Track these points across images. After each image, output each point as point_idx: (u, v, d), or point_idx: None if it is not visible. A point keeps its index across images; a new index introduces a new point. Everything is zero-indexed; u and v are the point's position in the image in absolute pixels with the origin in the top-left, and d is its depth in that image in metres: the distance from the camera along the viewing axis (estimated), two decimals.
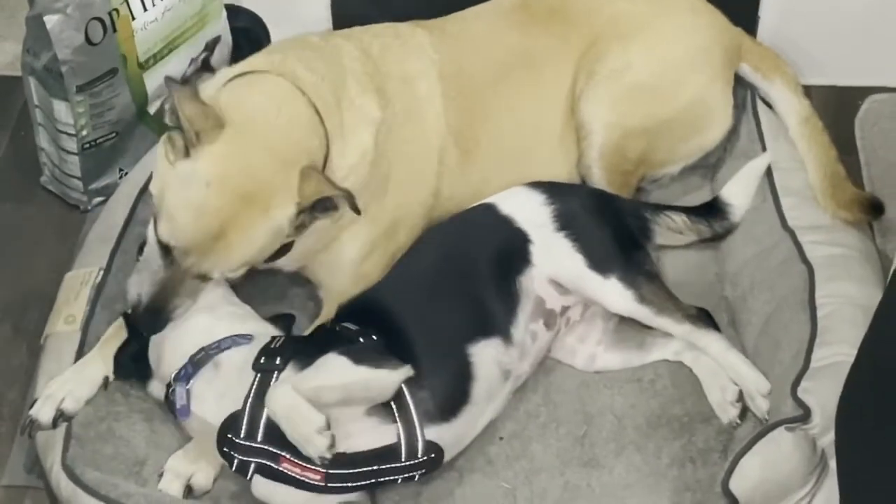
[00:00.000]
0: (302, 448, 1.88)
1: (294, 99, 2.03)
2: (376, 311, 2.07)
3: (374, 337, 2.00)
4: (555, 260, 2.13)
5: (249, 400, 1.94)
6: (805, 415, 1.93)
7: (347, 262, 2.17)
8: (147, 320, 2.02)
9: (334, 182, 1.99)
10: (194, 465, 2.01)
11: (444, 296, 2.09)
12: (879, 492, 1.63)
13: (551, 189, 2.21)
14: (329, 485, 1.92)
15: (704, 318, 2.15)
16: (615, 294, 2.11)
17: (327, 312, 2.18)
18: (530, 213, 2.17)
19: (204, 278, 2.00)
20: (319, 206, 1.98)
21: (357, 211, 1.98)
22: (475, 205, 2.22)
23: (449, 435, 1.99)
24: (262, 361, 1.98)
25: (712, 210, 2.33)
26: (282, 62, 2.09)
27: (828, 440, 1.93)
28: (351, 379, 1.91)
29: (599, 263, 2.11)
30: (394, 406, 1.95)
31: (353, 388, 1.92)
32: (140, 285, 2.02)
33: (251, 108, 2.01)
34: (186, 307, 2.03)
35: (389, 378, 1.93)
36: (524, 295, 2.11)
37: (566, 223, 2.15)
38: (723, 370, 2.10)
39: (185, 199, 1.95)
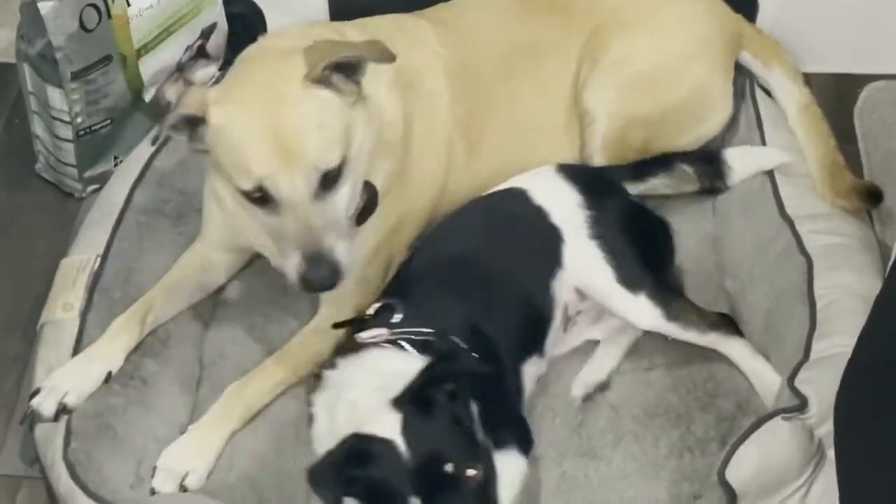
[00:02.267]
0: None
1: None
2: (440, 314, 1.96)
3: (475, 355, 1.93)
4: (584, 268, 2.09)
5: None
6: (802, 404, 1.92)
7: (352, 263, 2.13)
8: (317, 273, 1.91)
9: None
10: (188, 463, 2.00)
11: (501, 307, 2.02)
12: (878, 483, 1.62)
13: (587, 189, 2.15)
14: None
15: (727, 324, 2.14)
16: (643, 312, 2.09)
17: (327, 315, 2.16)
18: (566, 212, 2.12)
19: (317, 192, 1.91)
20: (339, 67, 1.92)
21: (391, 57, 1.94)
22: (503, 188, 2.17)
23: None
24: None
25: (711, 163, 2.32)
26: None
27: (825, 430, 1.92)
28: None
29: (629, 279, 2.08)
30: None
31: None
32: (290, 253, 1.92)
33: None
34: (340, 245, 1.92)
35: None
36: (557, 304, 2.09)
37: (600, 232, 2.10)
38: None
39: (229, 145, 1.92)
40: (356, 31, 2.20)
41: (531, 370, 2.05)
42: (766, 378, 2.08)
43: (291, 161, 1.89)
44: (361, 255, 2.11)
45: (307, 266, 1.91)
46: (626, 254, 2.10)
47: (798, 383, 1.96)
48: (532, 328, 2.07)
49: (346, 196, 1.96)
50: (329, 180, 1.92)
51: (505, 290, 2.05)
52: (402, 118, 2.15)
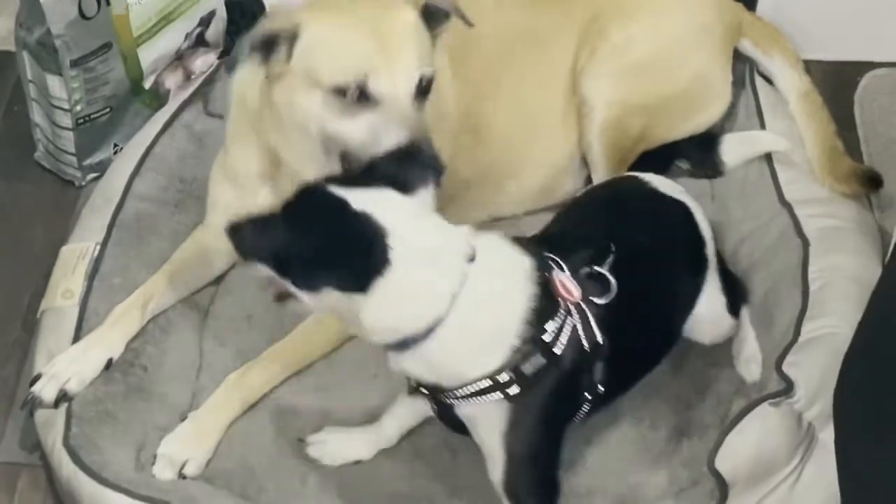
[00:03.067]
0: None
1: None
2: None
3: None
4: (710, 299, 2.02)
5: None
6: (787, 388, 1.92)
7: None
8: (428, 156, 1.82)
9: None
10: (187, 452, 2.01)
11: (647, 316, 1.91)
12: (879, 471, 1.62)
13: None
14: None
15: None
16: (731, 329, 2.09)
17: None
18: (711, 243, 2.04)
19: (416, 95, 1.92)
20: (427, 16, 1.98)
21: (470, 24, 2.00)
22: (673, 195, 2.03)
23: None
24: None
25: (707, 154, 2.35)
26: None
27: (814, 413, 1.93)
28: None
29: (732, 303, 2.06)
30: None
31: None
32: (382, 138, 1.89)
33: None
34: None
35: None
36: None
37: (718, 260, 2.05)
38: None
39: (329, 47, 1.92)
40: None
41: None
42: (748, 345, 2.09)
43: (395, 58, 1.91)
44: None
45: (417, 154, 1.84)
46: (731, 280, 2.09)
47: (785, 367, 1.95)
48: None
49: (429, 117, 1.96)
50: (422, 89, 1.93)
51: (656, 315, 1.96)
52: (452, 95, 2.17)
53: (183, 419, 2.06)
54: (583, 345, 1.76)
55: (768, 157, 2.34)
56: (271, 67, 1.96)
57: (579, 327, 1.75)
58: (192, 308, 2.24)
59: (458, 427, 1.82)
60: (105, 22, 2.40)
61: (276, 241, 1.64)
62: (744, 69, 2.47)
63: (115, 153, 2.55)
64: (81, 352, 2.08)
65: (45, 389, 2.04)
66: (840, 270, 2.11)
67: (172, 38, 2.54)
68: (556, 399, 1.75)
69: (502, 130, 2.30)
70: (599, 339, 1.77)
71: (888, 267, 1.86)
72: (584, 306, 1.76)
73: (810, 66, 2.50)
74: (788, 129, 2.37)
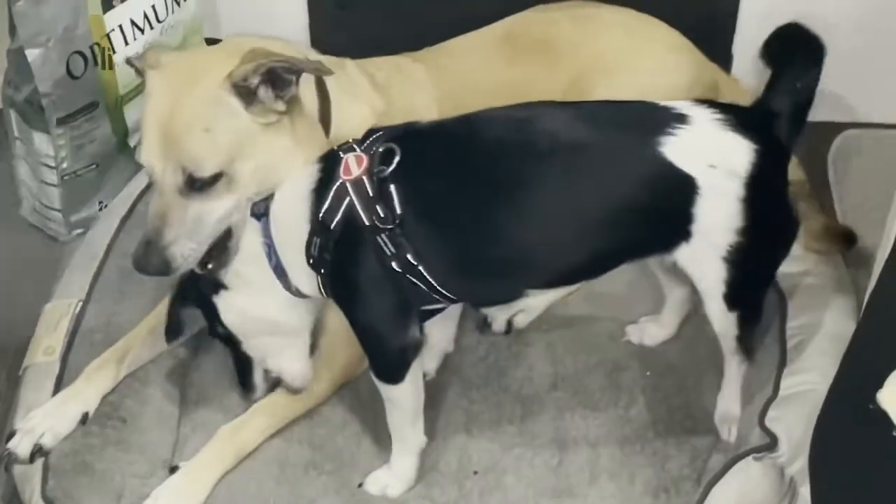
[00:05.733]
0: None
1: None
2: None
3: None
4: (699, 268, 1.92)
5: None
6: (772, 443, 1.94)
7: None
8: (145, 258, 1.94)
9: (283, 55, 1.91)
10: (180, 502, 2.01)
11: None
12: None
13: None
14: None
15: None
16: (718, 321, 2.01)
17: (323, 354, 2.18)
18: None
19: (183, 190, 1.91)
20: (271, 78, 1.88)
21: (324, 71, 1.94)
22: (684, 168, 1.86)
23: None
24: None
25: None
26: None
27: (796, 468, 1.94)
28: None
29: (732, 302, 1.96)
30: None
31: None
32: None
33: None
34: (181, 244, 1.92)
35: None
36: None
37: (754, 256, 1.94)
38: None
39: (144, 110, 1.96)
40: (353, 67, 2.24)
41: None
42: (727, 395, 2.10)
43: (168, 151, 1.90)
44: None
45: (139, 248, 1.94)
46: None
47: (768, 422, 1.97)
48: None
49: (220, 208, 1.93)
50: (199, 184, 1.91)
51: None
52: None
53: (169, 468, 2.07)
54: (360, 218, 1.83)
55: None
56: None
57: (356, 202, 1.83)
58: (172, 359, 2.24)
59: None
60: (92, 81, 2.43)
61: None
62: None
63: (101, 210, 2.58)
64: (56, 406, 2.09)
65: (21, 445, 2.05)
66: (817, 327, 2.13)
67: None
68: (356, 267, 1.85)
69: None
70: (380, 212, 1.82)
71: (860, 325, 1.88)
72: (365, 181, 1.83)
73: None
74: None
